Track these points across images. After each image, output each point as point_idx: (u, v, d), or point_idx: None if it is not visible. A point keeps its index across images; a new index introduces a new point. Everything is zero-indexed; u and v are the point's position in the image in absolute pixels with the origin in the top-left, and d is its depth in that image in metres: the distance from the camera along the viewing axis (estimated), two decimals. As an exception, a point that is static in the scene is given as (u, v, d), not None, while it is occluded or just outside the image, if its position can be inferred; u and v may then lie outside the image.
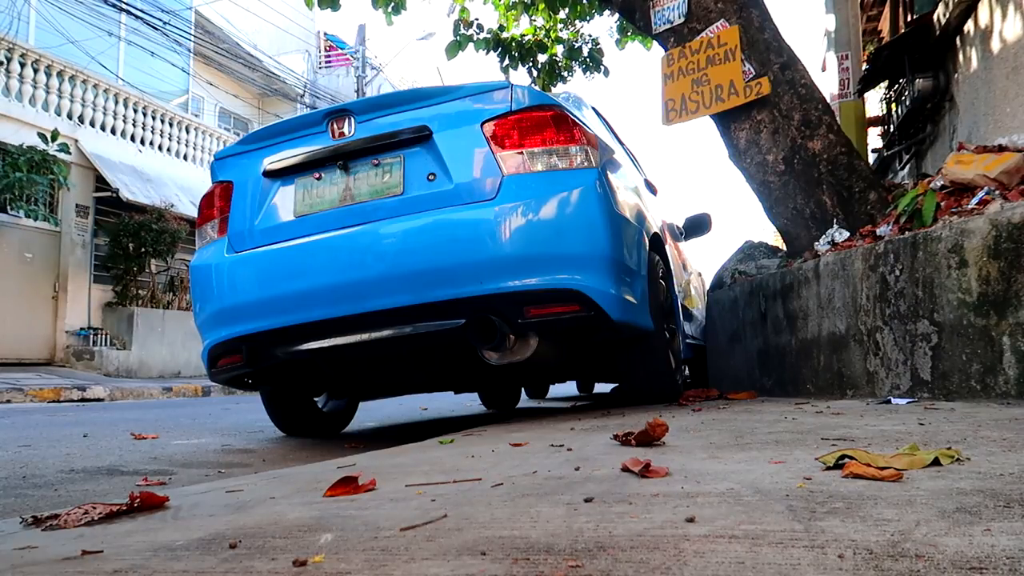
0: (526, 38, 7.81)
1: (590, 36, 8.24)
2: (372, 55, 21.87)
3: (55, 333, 11.91)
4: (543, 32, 7.97)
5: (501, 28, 7.68)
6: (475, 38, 7.49)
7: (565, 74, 8.09)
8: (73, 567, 0.96)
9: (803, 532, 0.86)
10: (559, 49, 8.07)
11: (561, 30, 8.11)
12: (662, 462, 1.45)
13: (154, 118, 14.12)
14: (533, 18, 7.92)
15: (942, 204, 2.93)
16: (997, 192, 2.73)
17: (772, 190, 4.04)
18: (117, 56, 14.17)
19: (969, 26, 5.05)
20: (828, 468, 1.26)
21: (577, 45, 8.10)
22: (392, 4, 6.81)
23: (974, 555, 0.75)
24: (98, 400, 8.69)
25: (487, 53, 7.56)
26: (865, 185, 3.85)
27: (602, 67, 8.19)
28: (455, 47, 7.37)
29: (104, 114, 12.90)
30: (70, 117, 12.23)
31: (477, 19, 7.55)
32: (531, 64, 7.77)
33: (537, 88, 4.31)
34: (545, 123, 2.74)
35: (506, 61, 7.60)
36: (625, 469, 1.37)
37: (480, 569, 0.81)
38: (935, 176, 3.31)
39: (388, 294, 2.64)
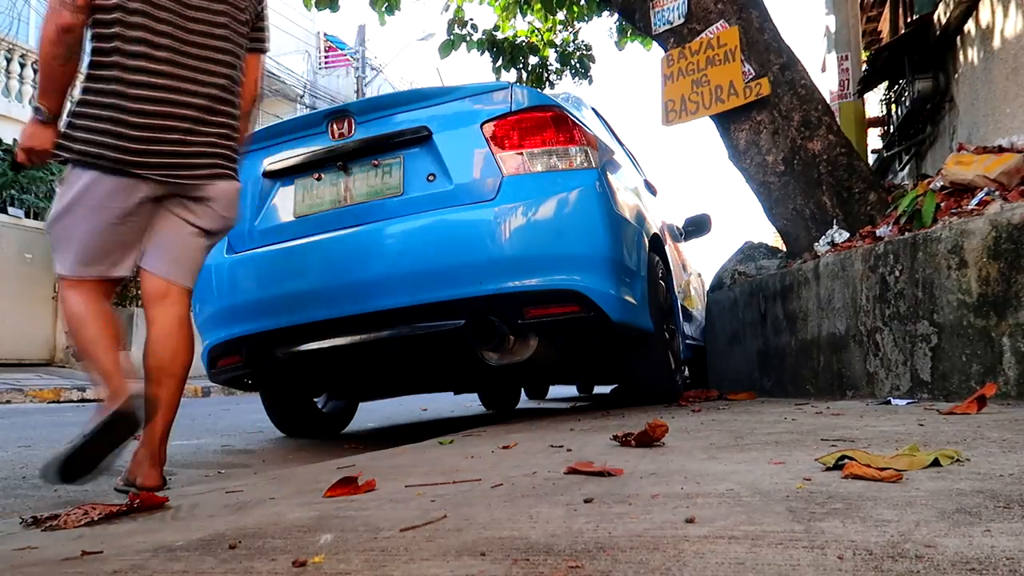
0: (520, 40, 7.78)
1: (583, 42, 8.22)
2: (372, 56, 21.88)
3: (55, 333, 11.90)
4: (537, 34, 7.95)
5: (496, 28, 7.66)
6: (469, 38, 7.47)
7: (553, 78, 8.07)
8: (73, 567, 0.96)
9: (803, 533, 0.87)
10: (551, 52, 8.05)
11: (561, 31, 8.10)
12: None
13: (154, 118, 14.09)
14: (529, 19, 7.90)
15: (942, 205, 2.93)
16: (997, 193, 2.73)
17: (772, 191, 4.04)
18: (117, 56, 14.15)
19: (969, 26, 5.05)
20: (828, 469, 1.26)
21: (570, 49, 8.08)
22: (387, 4, 6.81)
23: (974, 556, 0.75)
24: (98, 401, 8.69)
25: (481, 54, 7.55)
26: (865, 186, 3.85)
27: (589, 75, 8.18)
28: (448, 46, 7.36)
29: (104, 114, 12.87)
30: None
31: (471, 19, 7.53)
32: (521, 66, 7.75)
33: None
34: (545, 124, 2.74)
35: (499, 62, 7.58)
36: (572, 471, 1.39)
37: (480, 570, 0.81)
38: (935, 177, 3.31)
39: (388, 295, 2.64)
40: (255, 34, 2.24)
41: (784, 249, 4.47)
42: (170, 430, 2.02)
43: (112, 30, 1.95)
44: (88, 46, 2.00)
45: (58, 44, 1.92)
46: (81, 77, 2.01)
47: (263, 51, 2.31)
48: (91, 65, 1.99)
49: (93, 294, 2.01)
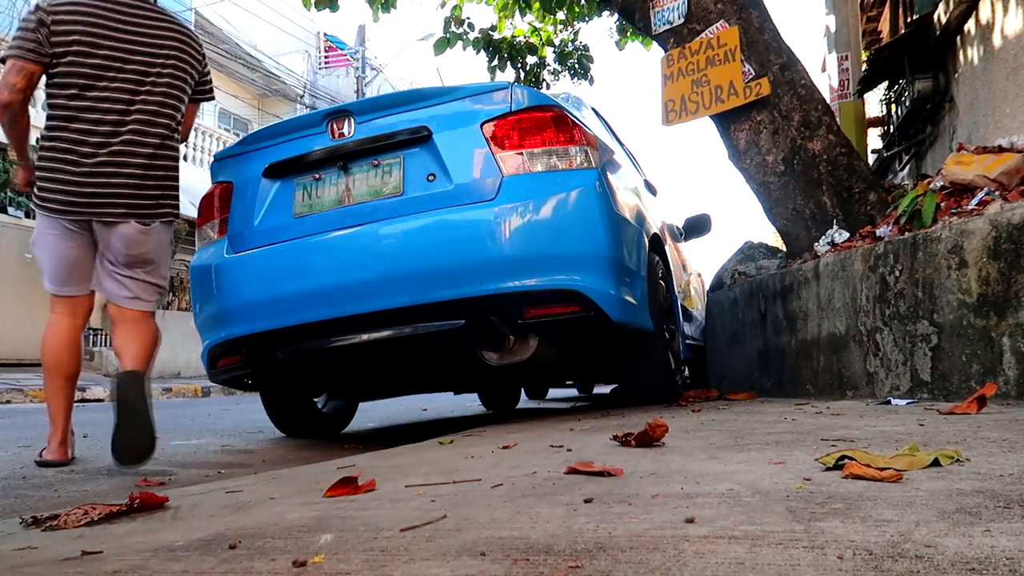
0: (517, 39, 7.75)
1: (582, 43, 8.20)
2: (372, 56, 21.87)
3: (55, 333, 11.89)
4: (536, 34, 7.93)
5: (492, 28, 7.64)
6: (465, 37, 7.45)
7: (550, 79, 8.05)
8: (73, 567, 0.96)
9: (803, 533, 0.87)
10: (549, 52, 8.02)
11: (561, 31, 8.08)
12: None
13: (154, 118, 14.07)
14: (528, 19, 7.87)
15: (942, 205, 2.93)
16: (997, 193, 2.73)
17: (772, 191, 4.04)
18: (117, 56, 14.13)
19: (969, 26, 5.05)
20: (828, 469, 1.26)
21: (568, 50, 8.05)
22: (383, 1, 6.80)
23: (974, 556, 0.75)
24: (98, 401, 8.69)
25: (477, 53, 7.53)
26: (865, 186, 3.85)
27: (589, 75, 8.16)
28: (443, 43, 7.33)
29: (104, 114, 12.86)
30: (70, 117, 12.21)
31: (468, 18, 7.51)
32: (519, 66, 7.72)
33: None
34: (545, 124, 2.74)
35: (495, 61, 7.56)
36: (572, 471, 1.39)
37: (480, 570, 0.81)
38: (935, 177, 3.31)
39: (388, 295, 2.64)
40: (199, 88, 2.73)
41: (784, 249, 4.47)
42: (150, 363, 2.58)
43: (64, 110, 2.39)
44: (47, 107, 2.49)
45: (1, 117, 2.43)
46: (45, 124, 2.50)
47: (205, 100, 2.82)
48: (48, 127, 2.44)
49: (68, 311, 2.61)
